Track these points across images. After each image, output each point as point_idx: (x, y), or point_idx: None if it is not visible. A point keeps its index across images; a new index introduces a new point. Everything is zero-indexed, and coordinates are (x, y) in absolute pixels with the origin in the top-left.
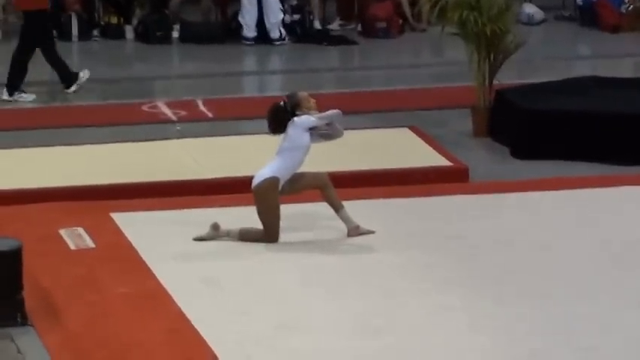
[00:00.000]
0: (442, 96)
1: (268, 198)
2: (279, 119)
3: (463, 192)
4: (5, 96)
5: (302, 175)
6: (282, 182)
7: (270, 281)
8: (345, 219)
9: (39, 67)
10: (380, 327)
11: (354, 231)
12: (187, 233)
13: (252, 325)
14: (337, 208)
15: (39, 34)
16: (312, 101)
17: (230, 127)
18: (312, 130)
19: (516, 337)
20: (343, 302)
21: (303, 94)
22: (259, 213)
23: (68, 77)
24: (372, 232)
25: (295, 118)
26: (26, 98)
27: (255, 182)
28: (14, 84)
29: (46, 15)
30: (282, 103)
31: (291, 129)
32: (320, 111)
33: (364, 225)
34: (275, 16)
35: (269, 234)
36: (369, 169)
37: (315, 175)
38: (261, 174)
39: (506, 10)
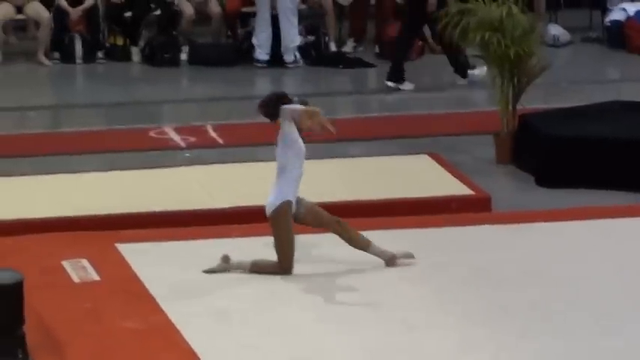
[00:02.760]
0: (463, 121)
1: (281, 224)
2: (273, 105)
3: (485, 222)
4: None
5: (319, 211)
6: (293, 202)
7: (282, 315)
8: (378, 253)
9: (40, 93)
10: None
11: (392, 261)
12: (196, 265)
13: None
14: (365, 247)
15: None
16: (318, 120)
17: (242, 153)
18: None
19: None
20: (360, 337)
21: (315, 109)
22: (275, 242)
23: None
24: (412, 257)
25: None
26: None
27: (267, 211)
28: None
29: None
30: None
31: (283, 124)
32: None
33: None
34: (292, 39)
35: (283, 264)
36: (386, 197)
37: (331, 219)
38: (270, 202)
39: (530, 31)
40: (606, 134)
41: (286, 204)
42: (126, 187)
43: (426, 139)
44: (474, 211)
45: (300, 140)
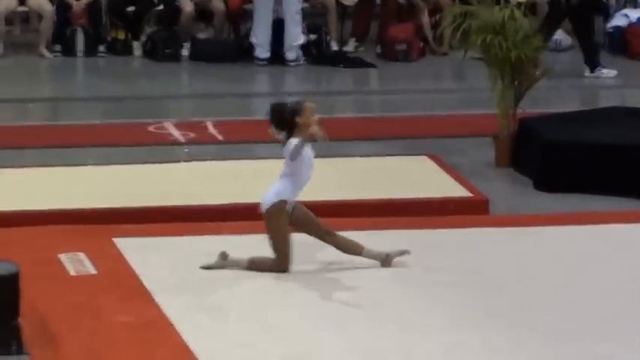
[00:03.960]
0: (463, 123)
1: (276, 221)
2: (279, 117)
3: (483, 225)
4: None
5: (312, 221)
6: (290, 203)
7: (277, 313)
8: (373, 255)
9: (41, 85)
10: None
11: (387, 261)
12: (193, 261)
13: (258, 358)
14: (359, 252)
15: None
16: (315, 118)
17: (241, 150)
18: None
19: None
20: (354, 337)
21: (309, 105)
22: (269, 239)
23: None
24: (408, 253)
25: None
26: (607, 74)
27: (262, 207)
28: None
29: None
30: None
31: (285, 153)
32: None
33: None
34: (295, 38)
35: (279, 262)
36: (384, 198)
37: (322, 230)
38: (267, 197)
39: (532, 35)
40: (606, 140)
41: (282, 203)
42: (124, 181)
43: (425, 141)
44: (472, 213)
45: (307, 154)
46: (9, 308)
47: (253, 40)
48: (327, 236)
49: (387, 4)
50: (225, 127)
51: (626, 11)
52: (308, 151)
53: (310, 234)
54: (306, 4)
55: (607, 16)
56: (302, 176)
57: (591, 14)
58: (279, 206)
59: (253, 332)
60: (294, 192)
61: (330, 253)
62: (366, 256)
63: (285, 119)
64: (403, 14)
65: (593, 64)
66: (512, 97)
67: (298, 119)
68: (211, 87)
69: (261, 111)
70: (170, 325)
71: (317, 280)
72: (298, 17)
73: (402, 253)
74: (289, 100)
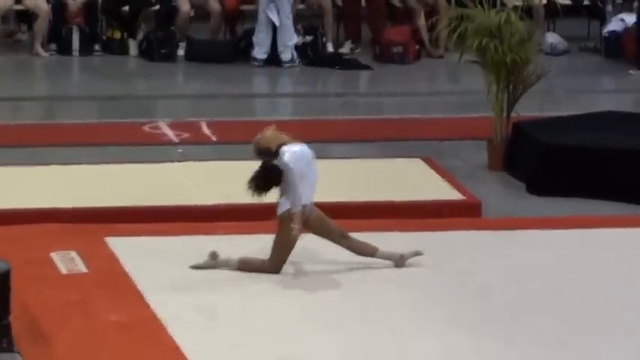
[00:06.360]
0: (458, 126)
1: (287, 227)
2: (272, 179)
3: (475, 227)
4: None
5: (327, 223)
6: (307, 206)
7: (269, 314)
8: (387, 256)
9: (36, 84)
10: None
11: (401, 262)
12: (184, 261)
13: (248, 358)
14: (373, 254)
15: None
16: (280, 135)
17: (235, 151)
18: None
19: None
20: (346, 338)
21: (266, 133)
22: (274, 241)
23: None
24: (421, 253)
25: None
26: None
27: (279, 210)
28: None
29: None
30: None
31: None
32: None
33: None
34: (289, 38)
35: (273, 264)
36: (377, 200)
37: (337, 232)
38: (283, 202)
39: (528, 39)
40: (600, 144)
41: (302, 208)
42: (118, 180)
43: (420, 143)
44: (465, 216)
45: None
46: (0, 306)
47: (255, 39)
48: (341, 239)
49: (373, 5)
50: (220, 128)
51: (622, 16)
52: (306, 149)
53: (325, 237)
54: (302, 6)
55: (603, 20)
56: (310, 178)
57: None
58: (299, 212)
59: (246, 333)
60: (309, 193)
61: (322, 254)
62: (380, 257)
63: (275, 177)
64: (399, 17)
65: None
66: (507, 101)
67: (271, 148)
68: (207, 87)
69: (255, 112)
70: (161, 324)
71: (309, 281)
72: (290, 16)
73: (417, 254)
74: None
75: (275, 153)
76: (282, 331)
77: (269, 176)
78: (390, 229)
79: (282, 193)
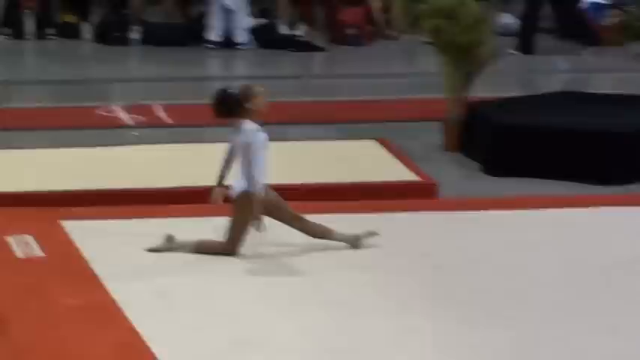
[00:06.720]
0: (412, 108)
1: (243, 209)
2: (227, 104)
3: (431, 209)
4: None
5: (283, 206)
6: (264, 188)
7: (225, 296)
8: (342, 238)
9: None
10: (342, 347)
11: (357, 242)
12: (140, 244)
13: (206, 340)
14: (328, 235)
15: None
16: (264, 103)
17: (190, 134)
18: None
19: None
20: (303, 320)
21: (259, 89)
22: (230, 222)
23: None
24: (376, 234)
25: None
26: None
27: (234, 192)
28: None
29: None
30: (232, 91)
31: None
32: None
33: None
34: (244, 21)
35: (230, 245)
36: (331, 182)
37: (292, 215)
38: (239, 185)
39: (482, 20)
40: (554, 124)
41: (254, 191)
42: (73, 164)
43: (374, 125)
44: (421, 197)
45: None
46: None
47: (209, 22)
48: (295, 222)
49: None
50: (175, 111)
51: None
52: (262, 134)
53: (278, 219)
54: None
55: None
56: (264, 160)
57: None
58: (251, 194)
59: (203, 316)
60: (265, 176)
61: (279, 236)
62: (336, 239)
63: (235, 106)
64: None
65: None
66: (462, 82)
67: (248, 105)
68: (161, 71)
69: (211, 95)
70: (118, 308)
71: (266, 263)
72: (245, 0)
73: (372, 234)
74: (237, 84)
75: (239, 114)
76: (239, 314)
77: (227, 99)
78: (345, 210)
79: (239, 174)
